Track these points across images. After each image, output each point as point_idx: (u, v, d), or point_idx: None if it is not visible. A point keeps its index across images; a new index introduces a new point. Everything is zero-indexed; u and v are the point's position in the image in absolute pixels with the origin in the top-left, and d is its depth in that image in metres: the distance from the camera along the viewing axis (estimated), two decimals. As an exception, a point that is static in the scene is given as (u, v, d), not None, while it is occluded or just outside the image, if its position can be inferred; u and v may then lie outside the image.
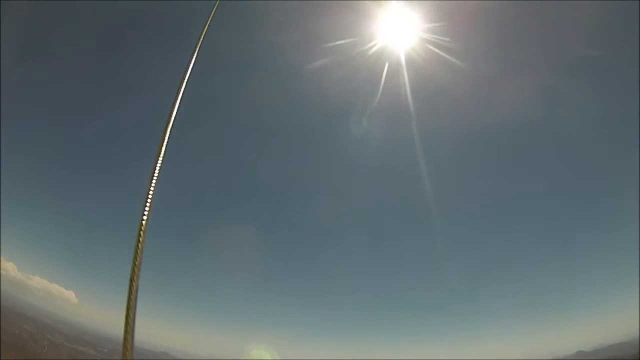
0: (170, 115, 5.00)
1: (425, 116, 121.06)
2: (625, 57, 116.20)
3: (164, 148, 4.92)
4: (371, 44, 66.81)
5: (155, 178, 4.74)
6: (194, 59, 5.22)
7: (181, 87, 5.10)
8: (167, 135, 4.93)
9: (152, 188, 4.73)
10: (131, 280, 4.25)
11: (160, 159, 4.91)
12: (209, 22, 5.64)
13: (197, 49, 5.22)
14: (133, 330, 4.05)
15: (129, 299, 4.21)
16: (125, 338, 4.04)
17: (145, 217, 4.58)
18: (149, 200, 4.72)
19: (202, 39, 5.35)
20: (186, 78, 5.16)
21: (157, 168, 4.84)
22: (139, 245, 4.43)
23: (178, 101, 5.03)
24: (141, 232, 4.48)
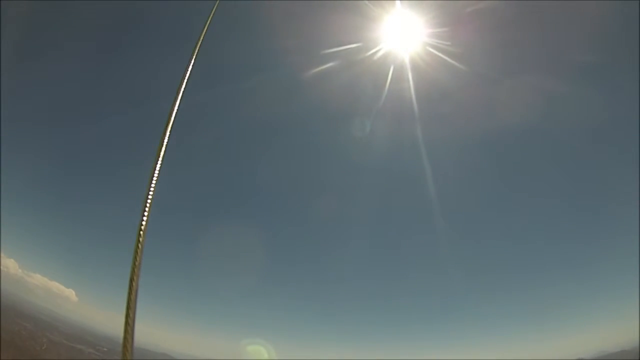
0: (170, 116, 5.00)
1: (429, 119, 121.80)
2: (627, 60, 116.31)
3: (163, 149, 4.93)
4: (376, 49, 67.04)
5: (155, 179, 4.75)
6: (193, 60, 5.22)
7: (181, 87, 5.10)
8: (167, 135, 4.94)
9: (152, 188, 4.74)
10: (131, 280, 4.25)
11: (160, 159, 4.92)
12: (208, 22, 5.66)
13: (197, 50, 5.23)
14: (133, 331, 4.06)
15: (129, 299, 4.22)
16: (125, 338, 4.04)
17: (145, 218, 4.60)
18: (149, 201, 4.74)
19: (201, 39, 5.36)
20: (186, 78, 5.16)
21: (157, 169, 4.85)
22: (139, 246, 4.44)
23: (178, 102, 5.03)
24: (141, 232, 4.49)
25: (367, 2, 67.44)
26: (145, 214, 4.59)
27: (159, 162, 4.87)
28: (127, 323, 4.09)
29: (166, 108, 4.98)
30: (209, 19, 5.67)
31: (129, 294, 4.24)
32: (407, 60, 68.35)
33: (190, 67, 5.14)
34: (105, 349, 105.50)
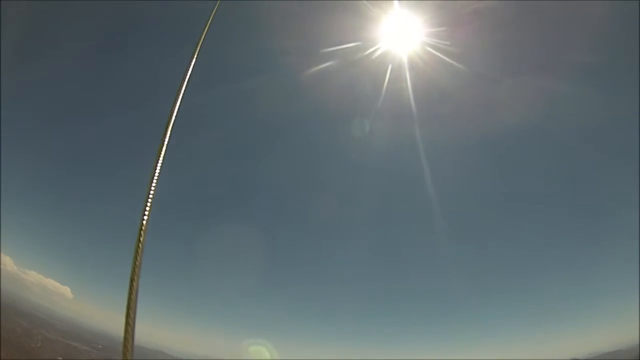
0: (171, 116, 5.00)
1: (428, 119, 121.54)
2: (627, 60, 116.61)
3: (164, 149, 4.93)
4: (374, 48, 66.83)
5: (155, 179, 4.75)
6: (194, 60, 5.23)
7: (181, 87, 5.10)
8: (168, 135, 4.94)
9: (152, 188, 4.74)
10: (131, 280, 4.25)
11: (161, 159, 4.93)
12: (209, 22, 5.66)
13: (198, 50, 5.23)
14: (133, 330, 4.05)
15: (129, 299, 4.21)
16: (125, 338, 4.04)
17: (145, 217, 4.60)
18: (149, 201, 4.74)
19: (202, 39, 5.37)
20: (186, 79, 5.16)
21: (158, 169, 4.86)
22: (139, 245, 4.43)
23: (178, 102, 5.04)
24: (141, 232, 4.49)
25: (365, 1, 67.47)
26: (146, 214, 4.60)
27: (160, 162, 4.87)
28: (127, 323, 4.08)
29: (166, 108, 4.99)
30: (210, 19, 5.68)
31: (129, 293, 4.23)
32: (405, 60, 68.25)
33: (191, 67, 5.14)
34: (100, 347, 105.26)
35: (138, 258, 4.38)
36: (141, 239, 4.48)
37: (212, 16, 5.70)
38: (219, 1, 6.03)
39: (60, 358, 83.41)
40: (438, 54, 67.50)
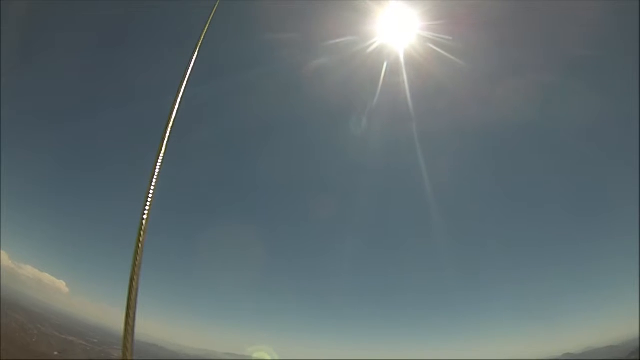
0: (171, 115, 4.98)
1: (424, 114, 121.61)
2: (626, 57, 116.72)
3: (164, 147, 4.91)
4: (370, 42, 66.64)
5: (155, 177, 4.73)
6: (194, 59, 5.20)
7: (181, 87, 5.08)
8: (168, 134, 4.92)
9: (152, 187, 4.72)
10: (131, 280, 4.23)
11: (161, 157, 4.91)
12: (209, 22, 5.62)
13: (198, 49, 5.20)
14: (133, 330, 4.03)
15: (129, 299, 4.19)
16: (125, 338, 4.02)
17: (145, 216, 4.58)
18: (149, 200, 4.72)
19: (202, 39, 5.33)
20: (186, 78, 5.14)
21: (158, 167, 4.83)
22: (139, 245, 4.40)
23: (178, 101, 5.01)
24: (141, 232, 4.47)
25: (362, -2, 67.04)
26: (146, 212, 4.59)
27: (160, 159, 4.85)
28: (127, 323, 4.07)
29: (166, 106, 4.97)
30: (210, 19, 5.64)
31: (129, 293, 4.21)
32: (402, 55, 68.22)
33: (191, 65, 5.11)
34: (95, 340, 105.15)
35: (138, 257, 4.36)
36: (141, 238, 4.47)
37: (211, 15, 5.67)
38: (218, 1, 6.00)
39: (56, 352, 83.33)
40: (435, 48, 67.41)
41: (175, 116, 4.99)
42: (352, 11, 71.85)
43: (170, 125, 4.91)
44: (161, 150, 4.90)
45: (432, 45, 66.29)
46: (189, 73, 5.16)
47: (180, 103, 5.07)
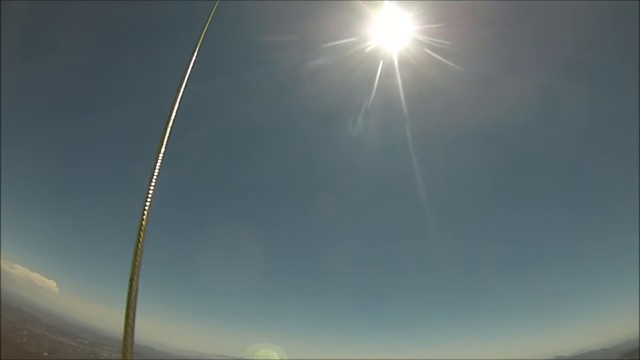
0: (170, 115, 4.96)
1: (419, 115, 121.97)
2: (624, 58, 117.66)
3: (163, 147, 4.89)
4: (365, 45, 66.68)
5: (155, 178, 4.71)
6: (194, 59, 5.18)
7: (181, 86, 5.06)
8: (167, 133, 4.90)
9: (151, 188, 4.70)
10: (131, 280, 4.21)
11: (161, 157, 4.89)
12: (209, 22, 5.60)
13: (197, 49, 5.18)
14: (133, 330, 4.02)
15: (129, 299, 4.17)
16: (125, 338, 4.00)
17: (145, 217, 4.56)
18: (148, 200, 4.69)
19: (202, 38, 5.31)
20: (186, 77, 5.13)
21: (157, 167, 4.80)
22: (139, 245, 4.38)
23: (178, 101, 5.00)
24: (141, 232, 4.45)
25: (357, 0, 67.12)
26: (145, 213, 4.57)
27: (159, 160, 4.82)
28: (127, 323, 4.05)
29: (165, 106, 4.95)
30: (209, 19, 5.62)
31: (129, 293, 4.19)
32: (397, 57, 68.25)
33: (191, 65, 5.10)
34: (86, 342, 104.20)
35: (138, 257, 4.34)
36: (141, 239, 4.45)
37: (211, 15, 5.65)
38: (218, 1, 5.98)
39: (46, 353, 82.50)
40: (430, 51, 67.65)
41: (175, 115, 4.98)
42: (348, 12, 72.14)
43: (170, 124, 4.90)
44: (160, 149, 4.88)
45: (427, 49, 66.51)
46: (188, 73, 5.14)
47: (180, 102, 5.07)
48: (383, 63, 71.08)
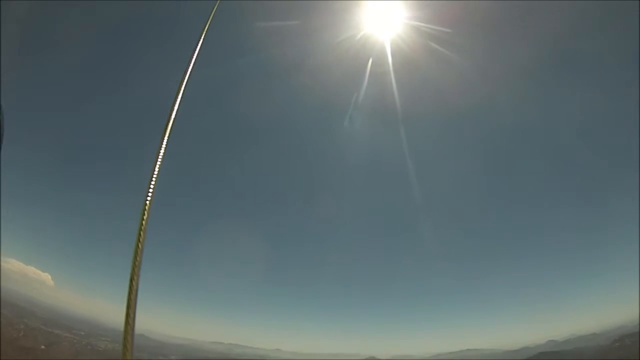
0: (171, 114, 4.94)
1: (411, 106, 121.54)
2: (624, 55, 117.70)
3: (164, 146, 4.88)
4: (358, 33, 66.20)
5: (154, 178, 4.70)
6: (194, 59, 5.15)
7: (181, 86, 5.04)
8: (168, 132, 4.89)
9: (151, 188, 4.69)
10: (131, 280, 4.20)
11: (161, 156, 4.87)
12: (209, 22, 5.56)
13: (198, 49, 5.15)
14: (133, 330, 4.01)
15: (129, 299, 4.17)
16: (125, 338, 4.01)
17: (145, 217, 4.55)
18: (148, 200, 4.69)
19: (202, 38, 5.28)
20: (186, 77, 5.10)
21: (157, 166, 4.80)
22: (139, 245, 4.37)
23: (178, 100, 4.98)
24: (141, 232, 4.46)
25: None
26: (145, 214, 4.56)
27: (159, 160, 4.81)
28: (127, 323, 4.05)
29: (165, 106, 4.93)
30: (210, 19, 5.59)
31: (129, 293, 4.19)
32: (390, 45, 67.88)
33: (191, 66, 5.08)
34: (82, 333, 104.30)
35: (138, 257, 4.34)
36: (141, 238, 4.45)
37: (211, 15, 5.61)
38: (218, 1, 5.94)
39: (43, 346, 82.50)
40: (426, 40, 67.40)
41: (175, 117, 4.97)
42: (341, 2, 71.50)
43: (171, 123, 4.89)
44: (161, 148, 4.87)
45: (421, 36, 66.26)
46: (189, 72, 5.12)
47: (179, 102, 5.05)
48: (376, 51, 70.79)
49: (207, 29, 5.54)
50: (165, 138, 4.83)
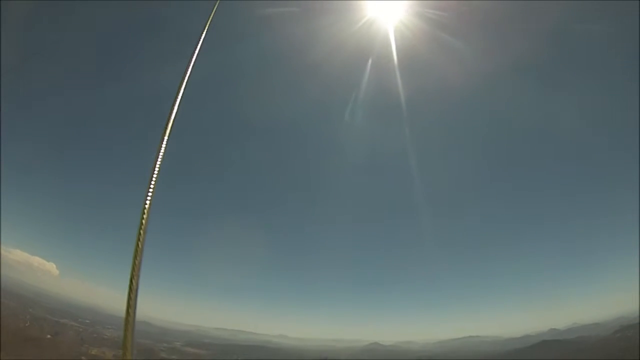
0: (171, 113, 4.93)
1: (413, 95, 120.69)
2: (625, 53, 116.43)
3: (164, 145, 4.87)
4: (361, 20, 65.25)
5: (154, 179, 4.70)
6: (194, 59, 5.11)
7: (181, 86, 5.01)
8: (168, 131, 4.88)
9: (151, 188, 4.70)
10: (131, 280, 4.22)
11: (161, 154, 4.87)
12: (209, 22, 5.51)
13: (198, 49, 5.11)
14: (133, 330, 4.03)
15: (129, 299, 4.18)
16: (125, 337, 4.02)
17: (145, 217, 4.56)
18: (148, 200, 4.69)
19: (202, 38, 5.24)
20: (186, 77, 5.07)
21: (157, 166, 4.80)
22: (139, 245, 4.39)
23: (178, 100, 4.96)
24: (141, 232, 4.46)
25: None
26: (145, 214, 4.57)
27: (159, 159, 4.82)
28: (127, 322, 4.07)
29: (165, 106, 4.91)
30: (210, 19, 5.54)
31: (129, 293, 4.20)
32: (393, 31, 66.80)
33: (191, 66, 5.04)
34: (87, 321, 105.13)
35: (138, 257, 4.35)
36: (141, 238, 4.46)
37: (211, 15, 5.56)
38: (218, 1, 5.88)
39: (49, 335, 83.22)
40: (429, 26, 66.37)
41: (175, 117, 4.95)
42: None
43: (171, 123, 4.87)
44: (161, 146, 4.87)
45: (424, 22, 65.13)
46: (189, 72, 5.09)
47: (180, 101, 5.02)
48: (379, 38, 69.69)
49: (207, 29, 5.47)
50: (168, 131, 4.83)
